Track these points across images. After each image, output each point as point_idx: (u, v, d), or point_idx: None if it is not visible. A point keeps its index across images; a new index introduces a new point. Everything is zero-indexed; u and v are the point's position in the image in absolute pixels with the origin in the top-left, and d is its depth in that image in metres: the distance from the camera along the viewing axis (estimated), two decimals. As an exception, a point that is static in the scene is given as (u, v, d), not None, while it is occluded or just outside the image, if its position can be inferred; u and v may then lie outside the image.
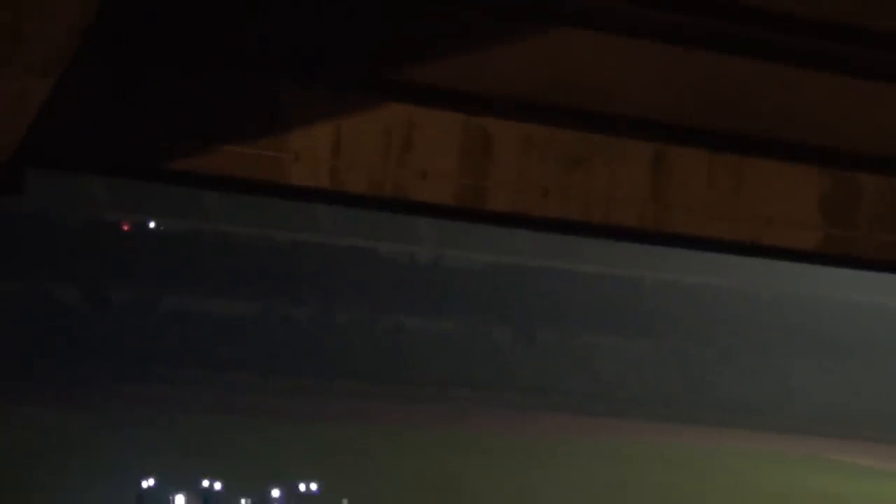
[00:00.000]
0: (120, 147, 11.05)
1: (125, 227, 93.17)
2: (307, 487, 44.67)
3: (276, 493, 44.96)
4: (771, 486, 66.82)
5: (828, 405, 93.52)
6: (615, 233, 13.93)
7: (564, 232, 14.78)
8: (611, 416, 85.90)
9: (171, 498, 42.09)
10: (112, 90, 10.59)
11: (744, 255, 15.12)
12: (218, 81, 10.91)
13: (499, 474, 60.22)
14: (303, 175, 11.76)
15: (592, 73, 11.96)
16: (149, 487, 43.74)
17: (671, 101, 12.78)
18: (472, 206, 12.47)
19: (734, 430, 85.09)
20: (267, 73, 11.17)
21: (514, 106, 11.96)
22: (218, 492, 43.59)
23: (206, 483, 43.18)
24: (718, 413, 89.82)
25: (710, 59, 12.57)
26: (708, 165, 13.21)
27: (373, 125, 11.77)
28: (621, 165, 12.86)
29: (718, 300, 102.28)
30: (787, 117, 12.80)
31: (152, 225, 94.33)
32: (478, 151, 12.19)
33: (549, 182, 12.60)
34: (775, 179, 13.44)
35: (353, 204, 12.93)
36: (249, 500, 43.77)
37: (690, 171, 13.19)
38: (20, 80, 8.42)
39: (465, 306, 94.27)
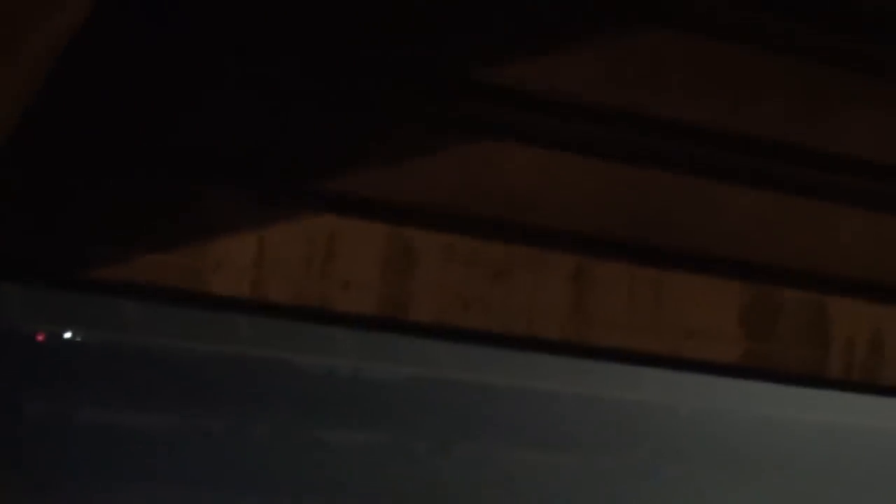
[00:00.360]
0: (34, 253, 10.88)
1: (39, 338, 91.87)
2: None
3: None
4: None
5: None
6: (536, 345, 13.90)
7: (486, 344, 14.74)
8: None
9: None
10: (25, 193, 10.46)
11: (665, 367, 15.15)
12: (138, 186, 10.82)
13: None
14: (224, 285, 11.64)
15: (516, 185, 12.00)
16: None
17: (593, 215, 12.84)
18: (395, 316, 12.42)
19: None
20: (189, 180, 11.09)
21: (438, 216, 11.96)
22: None
23: None
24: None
25: (632, 173, 12.66)
26: (629, 278, 13.27)
27: (296, 235, 11.72)
28: (543, 277, 12.89)
29: (639, 415, 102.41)
30: (709, 232, 12.90)
31: (68, 335, 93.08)
32: (400, 262, 12.17)
33: (471, 293, 12.60)
34: (696, 292, 13.53)
35: (275, 314, 12.82)
36: None
37: (612, 284, 13.25)
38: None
39: (386, 419, 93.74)
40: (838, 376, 14.30)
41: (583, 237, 12.86)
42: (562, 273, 12.97)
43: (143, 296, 12.53)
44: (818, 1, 10.10)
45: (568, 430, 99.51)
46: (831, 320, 14.03)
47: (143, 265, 11.21)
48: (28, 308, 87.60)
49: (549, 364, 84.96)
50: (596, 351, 13.85)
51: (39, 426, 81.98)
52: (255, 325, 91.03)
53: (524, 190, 12.19)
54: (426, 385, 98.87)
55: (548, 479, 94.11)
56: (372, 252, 12.02)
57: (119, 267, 11.22)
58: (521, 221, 12.51)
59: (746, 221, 13.05)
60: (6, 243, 10.43)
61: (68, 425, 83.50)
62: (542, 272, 12.84)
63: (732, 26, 10.72)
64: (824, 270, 13.66)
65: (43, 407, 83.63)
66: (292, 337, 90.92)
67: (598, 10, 10.59)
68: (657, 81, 11.10)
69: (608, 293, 13.23)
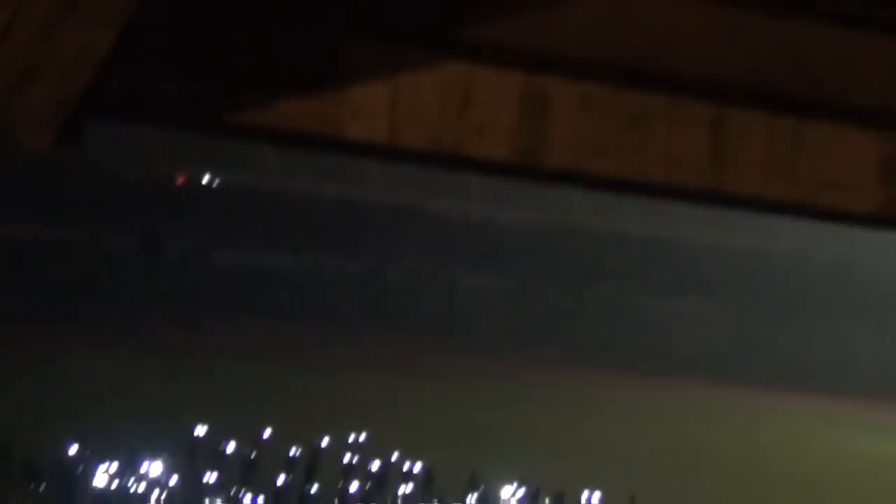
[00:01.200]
0: (179, 100, 11.09)
1: (179, 181, 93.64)
2: (356, 437, 44.99)
3: (325, 442, 45.30)
4: (825, 449, 66.77)
5: (885, 368, 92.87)
6: (673, 193, 13.84)
7: (621, 191, 14.71)
8: (661, 375, 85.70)
9: (223, 445, 42.48)
10: (173, 43, 10.62)
11: (800, 216, 14.99)
12: (279, 36, 10.92)
13: (546, 428, 60.47)
14: (360, 130, 11.74)
15: (653, 33, 11.88)
16: (201, 435, 44.21)
17: (730, 63, 12.69)
18: (529, 163, 12.44)
19: (788, 393, 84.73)
20: (327, 29, 11.18)
21: (574, 64, 11.91)
22: (267, 440, 43.96)
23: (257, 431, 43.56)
24: (771, 375, 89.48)
25: (772, 21, 12.46)
26: (767, 128, 13.10)
27: (432, 81, 11.75)
28: (680, 125, 12.79)
29: (771, 264, 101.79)
30: (847, 81, 12.68)
31: (206, 179, 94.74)
32: (536, 109, 12.15)
33: (607, 141, 12.55)
34: (834, 142, 13.34)
35: (410, 160, 12.93)
36: (299, 450, 44.12)
37: (749, 133, 13.10)
38: (82, 31, 8.45)
39: (518, 265, 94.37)
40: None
41: (719, 86, 12.71)
42: (699, 121, 12.85)
43: (282, 141, 12.70)
44: None
45: (702, 277, 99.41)
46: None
47: (283, 111, 11.37)
48: (168, 152, 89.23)
49: (683, 213, 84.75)
50: (733, 199, 13.72)
51: (178, 265, 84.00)
52: (388, 173, 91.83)
53: (660, 38, 12.07)
54: (559, 232, 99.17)
55: (680, 325, 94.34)
56: (508, 99, 12.02)
57: (259, 112, 11.40)
58: (658, 70, 12.41)
59: (886, 70, 12.81)
60: (149, 89, 10.65)
61: (206, 265, 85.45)
62: (679, 120, 12.74)
63: None
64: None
65: (181, 247, 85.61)
66: (426, 184, 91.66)
67: None
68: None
69: (746, 142, 13.08)
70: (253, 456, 42.72)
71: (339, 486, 41.98)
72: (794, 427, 72.54)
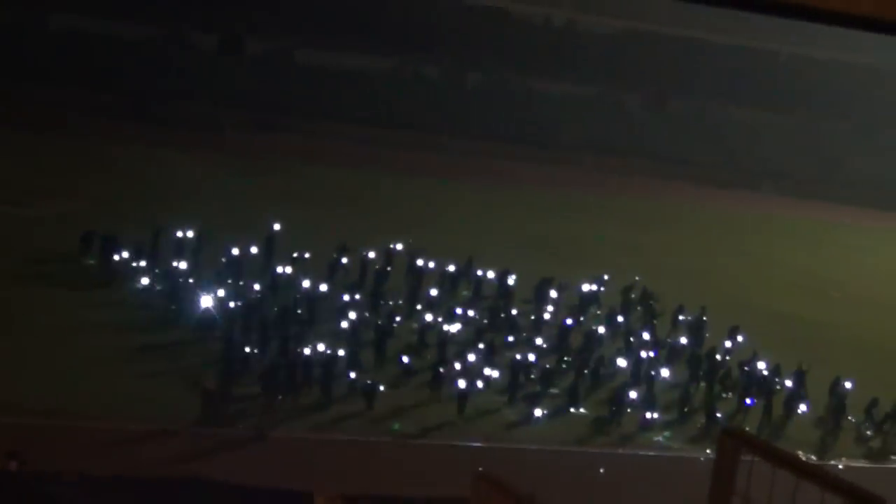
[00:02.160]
0: None
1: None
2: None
3: (399, 246, 45.80)
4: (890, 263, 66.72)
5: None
6: (751, 4, 13.84)
7: (701, 1, 14.73)
8: (739, 187, 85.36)
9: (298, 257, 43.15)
10: None
11: (868, 30, 14.90)
12: None
13: (622, 235, 60.69)
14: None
15: None
16: (276, 232, 45.07)
17: None
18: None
19: (865, 209, 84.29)
20: None
21: None
22: (343, 243, 44.55)
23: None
24: (850, 190, 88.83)
25: None
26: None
27: None
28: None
29: (855, 77, 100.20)
30: None
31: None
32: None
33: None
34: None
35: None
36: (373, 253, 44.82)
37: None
38: None
39: (599, 71, 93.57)
40: None
41: None
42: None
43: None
44: None
45: (788, 89, 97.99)
46: None
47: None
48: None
49: (768, 23, 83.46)
50: (806, 10, 13.73)
51: (260, 64, 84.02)
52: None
53: None
54: (641, 39, 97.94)
55: (764, 137, 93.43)
56: None
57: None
58: None
59: None
60: None
61: (288, 65, 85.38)
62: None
63: None
64: None
65: (262, 46, 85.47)
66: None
67: None
68: None
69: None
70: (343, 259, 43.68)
71: (412, 289, 42.66)
72: (866, 242, 72.38)
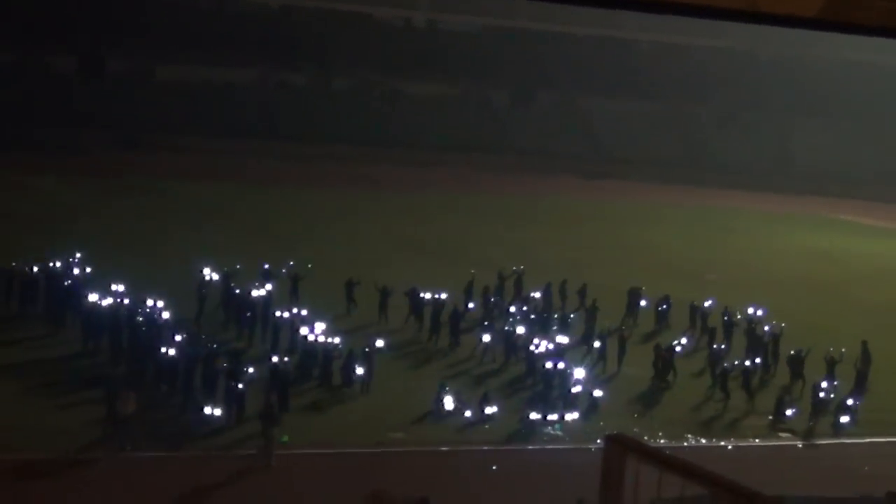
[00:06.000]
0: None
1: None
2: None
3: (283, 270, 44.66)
4: (775, 244, 67.40)
5: (829, 166, 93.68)
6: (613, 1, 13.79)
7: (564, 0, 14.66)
8: (611, 178, 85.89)
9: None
10: None
11: (744, 21, 14.93)
12: None
13: (497, 233, 60.52)
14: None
15: None
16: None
17: None
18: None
19: (735, 192, 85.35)
20: None
21: None
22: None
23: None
24: (719, 175, 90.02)
25: None
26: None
27: None
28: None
29: (716, 62, 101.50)
30: None
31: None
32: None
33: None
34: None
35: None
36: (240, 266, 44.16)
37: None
38: None
39: (463, 70, 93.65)
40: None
41: None
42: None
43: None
44: None
45: (650, 77, 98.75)
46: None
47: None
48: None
49: (629, 14, 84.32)
50: (674, 6, 13.71)
51: (122, 83, 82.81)
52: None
53: None
54: (503, 35, 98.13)
55: (631, 125, 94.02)
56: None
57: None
58: None
59: None
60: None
61: (149, 81, 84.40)
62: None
63: None
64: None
65: (123, 64, 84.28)
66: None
67: None
68: None
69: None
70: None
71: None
72: (743, 225, 73.30)
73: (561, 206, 73.60)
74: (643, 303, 45.93)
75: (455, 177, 79.79)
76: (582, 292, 45.16)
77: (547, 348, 37.47)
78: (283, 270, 43.04)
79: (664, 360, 38.42)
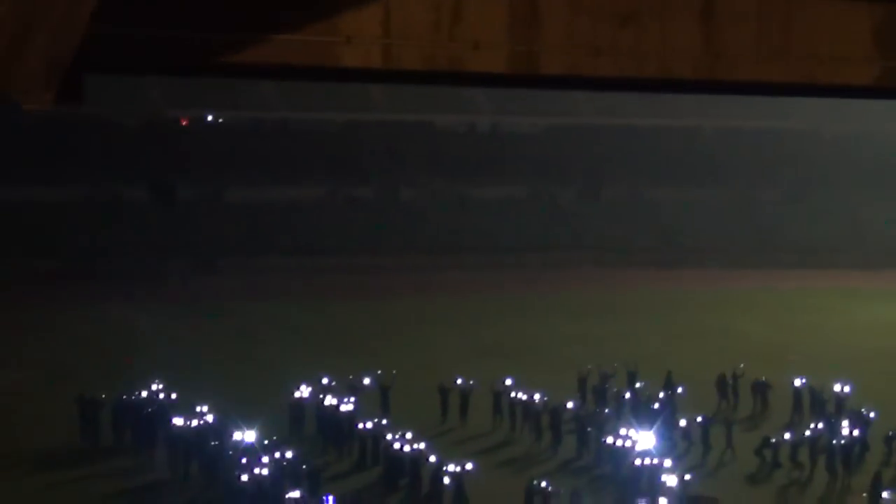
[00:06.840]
0: (173, 45, 11.21)
1: (184, 122, 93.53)
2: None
3: (366, 381, 44.81)
4: (855, 317, 67.07)
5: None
6: (670, 86, 13.96)
7: (618, 89, 14.84)
8: (684, 266, 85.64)
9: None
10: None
11: (799, 95, 15.05)
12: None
13: (577, 331, 60.63)
14: (355, 57, 11.88)
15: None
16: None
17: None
18: (526, 72, 12.56)
19: (807, 271, 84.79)
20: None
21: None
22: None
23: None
24: (790, 255, 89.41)
25: None
26: (757, 11, 13.18)
27: (422, 2, 11.85)
28: (671, 19, 12.87)
29: (780, 143, 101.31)
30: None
31: (210, 118, 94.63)
32: (527, 18, 12.24)
33: (601, 42, 12.65)
34: (825, 17, 13.39)
35: (407, 80, 13.04)
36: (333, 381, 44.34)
37: (740, 17, 13.19)
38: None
39: (529, 170, 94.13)
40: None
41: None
42: (689, 12, 12.95)
43: (279, 75, 12.82)
44: None
45: (715, 163, 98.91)
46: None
47: (277, 46, 11.48)
48: (170, 95, 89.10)
49: (688, 102, 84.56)
50: (729, 86, 13.86)
51: (192, 206, 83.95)
52: (389, 92, 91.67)
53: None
54: (565, 133, 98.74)
55: (699, 213, 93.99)
56: (498, 12, 12.12)
57: (253, 50, 11.51)
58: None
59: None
60: (145, 38, 10.76)
61: (219, 204, 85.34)
62: (669, 13, 12.83)
63: None
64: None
65: (194, 189, 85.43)
66: (428, 100, 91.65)
67: None
68: None
69: (737, 28, 13.18)
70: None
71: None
72: (819, 302, 72.76)
73: (638, 298, 73.53)
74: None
75: (526, 278, 79.92)
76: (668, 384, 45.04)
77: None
78: (366, 381, 43.41)
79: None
